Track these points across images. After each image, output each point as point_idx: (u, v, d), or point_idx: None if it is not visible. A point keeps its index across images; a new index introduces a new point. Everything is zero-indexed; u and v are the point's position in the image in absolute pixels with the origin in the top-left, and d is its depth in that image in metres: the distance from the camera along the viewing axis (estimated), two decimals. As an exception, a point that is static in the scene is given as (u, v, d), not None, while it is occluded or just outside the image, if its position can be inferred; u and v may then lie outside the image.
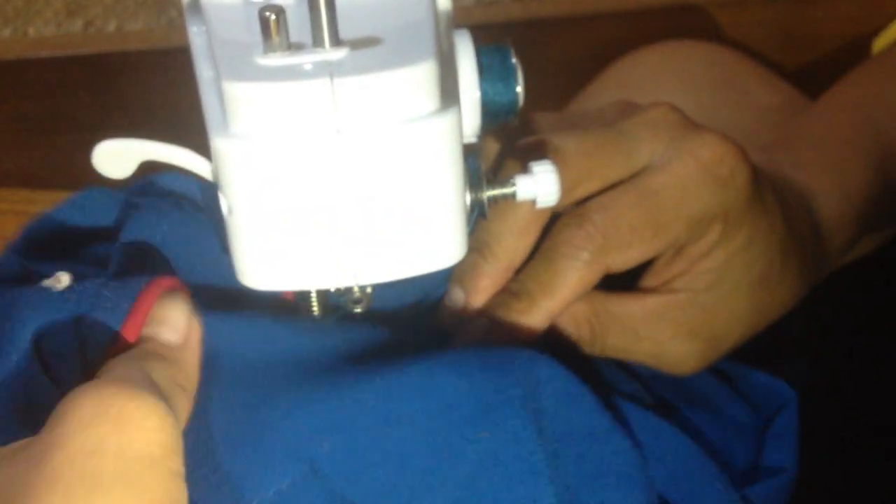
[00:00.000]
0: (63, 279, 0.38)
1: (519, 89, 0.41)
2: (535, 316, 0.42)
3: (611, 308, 0.44)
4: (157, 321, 0.36)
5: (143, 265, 0.41)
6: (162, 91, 0.96)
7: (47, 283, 0.38)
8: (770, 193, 0.44)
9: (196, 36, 0.41)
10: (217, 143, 0.34)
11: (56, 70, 1.00)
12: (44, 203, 0.80)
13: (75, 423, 0.29)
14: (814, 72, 0.80)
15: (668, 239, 0.42)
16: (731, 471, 0.43)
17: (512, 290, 0.43)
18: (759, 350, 0.47)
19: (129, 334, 0.36)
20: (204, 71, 0.39)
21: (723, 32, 0.94)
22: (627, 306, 0.44)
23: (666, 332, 0.43)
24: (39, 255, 0.42)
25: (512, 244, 0.43)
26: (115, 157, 0.37)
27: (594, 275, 0.42)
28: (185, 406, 0.35)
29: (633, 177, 0.43)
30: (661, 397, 0.45)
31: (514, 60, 0.41)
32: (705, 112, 0.68)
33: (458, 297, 0.44)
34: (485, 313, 0.43)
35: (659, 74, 0.79)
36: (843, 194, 0.50)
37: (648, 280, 0.45)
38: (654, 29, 0.88)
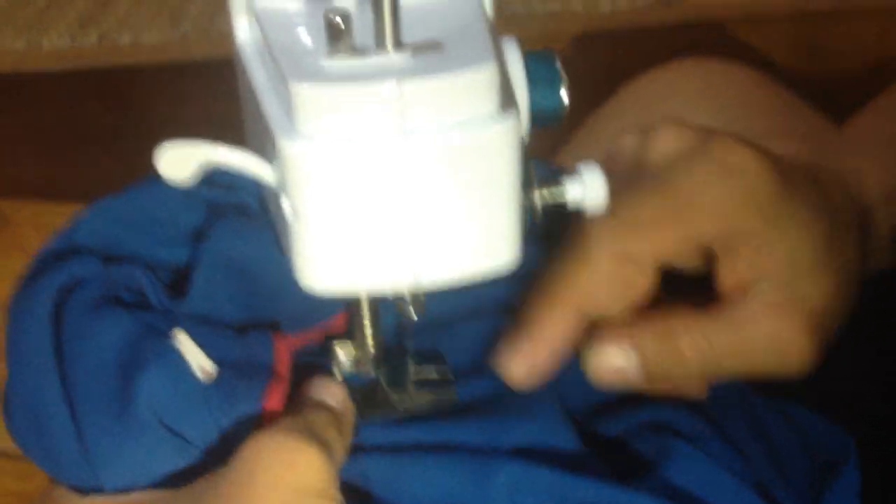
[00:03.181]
0: (208, 369, 0.40)
1: (564, 95, 0.41)
2: (559, 310, 0.42)
3: (701, 313, 0.43)
4: (322, 391, 0.41)
5: (225, 272, 0.42)
6: (176, 104, 0.96)
7: (194, 368, 0.40)
8: (804, 184, 0.44)
9: (247, 43, 0.42)
10: (284, 145, 0.35)
11: (70, 82, 1.01)
12: (62, 215, 0.80)
13: (258, 464, 0.36)
14: (837, 88, 0.81)
15: (691, 229, 0.42)
16: None
17: (537, 287, 0.43)
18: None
19: (269, 414, 0.40)
20: (259, 76, 0.39)
21: (746, 48, 0.95)
22: (719, 308, 0.43)
23: (773, 324, 0.42)
24: (118, 244, 0.43)
25: (585, 284, 0.42)
26: (178, 160, 0.37)
27: (609, 257, 0.41)
28: (342, 450, 0.40)
29: (657, 176, 0.43)
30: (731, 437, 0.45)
31: (558, 67, 0.41)
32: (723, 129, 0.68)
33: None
34: (518, 323, 0.43)
35: (677, 93, 0.79)
36: (890, 177, 0.49)
37: (725, 284, 0.43)
38: (675, 45, 0.88)
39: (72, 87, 1.00)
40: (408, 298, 0.40)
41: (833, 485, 0.46)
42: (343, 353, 0.44)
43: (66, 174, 0.94)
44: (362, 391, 0.43)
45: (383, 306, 0.43)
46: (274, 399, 0.40)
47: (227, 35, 1.11)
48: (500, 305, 0.46)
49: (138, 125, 0.94)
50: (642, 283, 0.42)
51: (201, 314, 0.43)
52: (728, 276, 0.43)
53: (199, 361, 0.40)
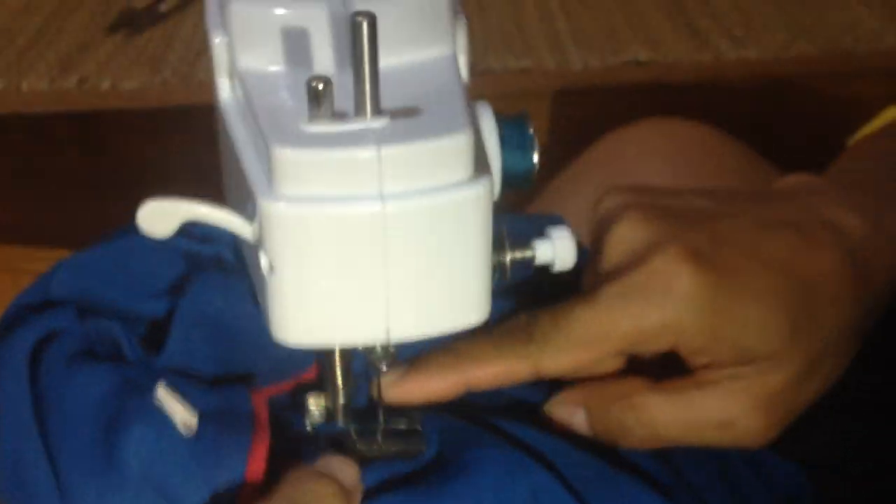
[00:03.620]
0: (191, 423, 0.41)
1: (535, 159, 0.43)
2: (447, 375, 0.43)
3: (660, 385, 0.45)
4: (335, 469, 0.41)
5: (201, 328, 0.43)
6: (154, 149, 0.97)
7: (178, 423, 0.41)
8: (761, 272, 0.44)
9: (229, 102, 0.43)
10: (264, 205, 0.36)
11: (48, 125, 1.02)
12: (37, 259, 0.81)
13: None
14: (803, 150, 0.83)
15: (606, 349, 0.44)
16: None
17: (451, 345, 0.44)
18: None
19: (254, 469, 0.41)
20: (240, 135, 0.41)
21: (714, 109, 0.97)
22: (681, 382, 0.45)
23: (728, 406, 0.44)
24: (93, 296, 0.44)
25: (495, 374, 0.44)
26: (160, 216, 0.38)
27: (524, 369, 0.43)
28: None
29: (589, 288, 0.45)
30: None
31: (531, 131, 0.43)
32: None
33: (402, 367, 0.44)
34: (413, 359, 0.44)
35: (645, 153, 0.81)
36: (877, 225, 0.49)
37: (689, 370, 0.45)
38: (645, 104, 0.90)
39: (50, 130, 1.01)
40: (378, 351, 0.42)
41: None
42: (314, 404, 0.45)
43: (42, 218, 0.95)
44: (331, 440, 0.44)
45: (355, 357, 0.44)
46: (258, 453, 0.41)
47: (206, 83, 1.13)
48: None
49: (116, 170, 0.95)
50: (620, 364, 0.45)
51: (177, 368, 0.44)
52: (685, 357, 0.45)
53: (181, 416, 0.40)
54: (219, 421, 0.41)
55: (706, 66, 1.11)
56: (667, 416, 0.44)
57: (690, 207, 0.47)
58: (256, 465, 0.41)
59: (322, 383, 0.45)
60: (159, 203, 0.38)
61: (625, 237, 0.45)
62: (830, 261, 0.46)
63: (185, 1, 1.24)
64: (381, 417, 0.45)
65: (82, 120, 1.01)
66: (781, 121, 1.03)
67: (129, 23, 1.18)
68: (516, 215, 0.48)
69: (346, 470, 0.41)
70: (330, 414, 0.44)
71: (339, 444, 0.44)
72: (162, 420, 0.40)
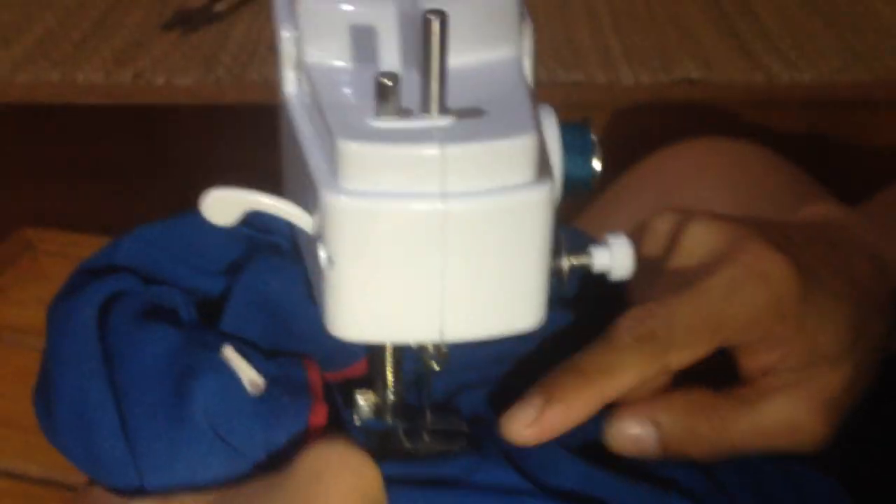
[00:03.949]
0: (258, 382, 0.41)
1: (597, 165, 0.43)
2: (587, 396, 0.42)
3: (724, 395, 0.45)
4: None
5: (256, 308, 0.43)
6: (205, 145, 0.98)
7: (245, 382, 0.41)
8: (828, 274, 0.46)
9: (294, 95, 0.43)
10: (327, 197, 0.36)
11: (102, 117, 1.03)
12: (88, 246, 0.82)
13: (325, 469, 0.38)
14: (851, 176, 0.83)
15: (721, 338, 0.44)
16: None
17: (569, 366, 0.43)
18: None
19: (314, 428, 0.42)
20: (305, 128, 0.41)
21: (763, 129, 0.97)
22: (743, 391, 0.45)
23: (793, 411, 0.45)
24: (155, 267, 0.45)
25: (627, 384, 0.43)
26: (223, 205, 0.38)
27: (653, 369, 0.43)
28: None
29: (672, 282, 0.45)
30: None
31: (592, 138, 0.43)
32: (741, 211, 0.69)
33: (536, 402, 0.43)
34: (540, 390, 0.43)
35: (698, 171, 0.81)
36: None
37: (746, 369, 0.46)
38: (695, 121, 0.90)
39: (104, 121, 1.02)
40: (431, 350, 0.42)
41: None
42: (363, 400, 0.45)
43: (93, 207, 0.96)
44: (379, 436, 0.45)
45: (406, 356, 0.44)
46: (319, 416, 0.41)
47: (258, 83, 1.13)
48: (515, 358, 0.48)
49: (167, 163, 0.96)
50: (668, 381, 0.45)
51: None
52: (749, 363, 0.46)
53: (249, 375, 0.41)
54: (281, 385, 0.42)
55: (758, 87, 1.10)
56: (737, 423, 0.45)
57: (750, 218, 0.48)
58: (316, 426, 0.41)
59: (371, 380, 0.45)
60: (222, 192, 0.38)
61: (702, 236, 0.46)
62: (873, 274, 0.48)
63: (240, 2, 1.25)
64: (427, 417, 0.45)
65: (135, 113, 1.03)
66: (834, 145, 1.02)
67: (185, 21, 1.20)
68: (573, 230, 0.48)
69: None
70: (378, 410, 0.45)
71: (385, 440, 0.45)
72: (230, 375, 0.41)
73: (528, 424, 0.42)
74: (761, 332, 0.44)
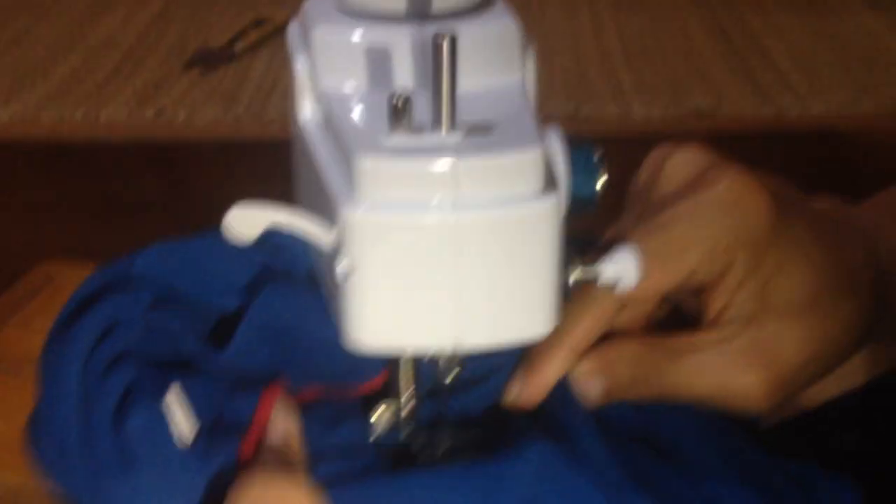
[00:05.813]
0: (185, 436, 0.43)
1: (600, 184, 0.44)
2: (559, 350, 0.45)
3: (666, 343, 0.46)
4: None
5: (268, 332, 0.46)
6: (224, 180, 1.00)
7: (174, 429, 0.43)
8: (802, 225, 0.46)
9: (309, 121, 0.45)
10: (345, 211, 0.38)
11: (124, 154, 1.05)
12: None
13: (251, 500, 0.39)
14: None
15: (685, 267, 0.45)
16: None
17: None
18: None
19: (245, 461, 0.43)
20: (321, 150, 0.42)
21: (775, 161, 0.98)
22: (683, 340, 0.46)
23: (727, 363, 0.45)
24: (171, 281, 0.47)
25: (588, 328, 0.46)
26: (245, 221, 0.40)
27: (612, 303, 0.45)
28: None
29: (651, 208, 0.46)
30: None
31: (597, 158, 0.44)
32: None
33: (520, 375, 0.47)
34: (522, 364, 0.46)
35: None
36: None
37: (702, 325, 0.47)
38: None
39: (125, 158, 1.04)
40: (447, 362, 0.43)
41: None
42: (378, 414, 0.46)
43: (113, 241, 0.97)
44: (395, 452, 0.46)
45: (422, 375, 0.45)
46: (248, 448, 0.43)
47: (276, 120, 1.15)
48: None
49: (187, 198, 0.97)
50: (641, 316, 0.47)
51: (235, 367, 0.45)
52: (706, 309, 0.46)
53: (180, 427, 0.42)
54: (218, 432, 0.43)
55: (768, 120, 1.12)
56: (670, 376, 0.46)
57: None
58: (246, 461, 0.42)
59: (388, 394, 0.46)
60: (246, 207, 0.40)
61: (682, 164, 0.47)
62: (856, 255, 0.48)
63: (259, 42, 1.28)
64: (445, 433, 0.46)
65: (156, 149, 1.05)
66: (841, 177, 1.03)
67: (205, 61, 1.23)
68: (578, 240, 0.50)
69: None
70: (395, 425, 0.46)
71: (401, 457, 0.46)
72: (160, 421, 0.42)
73: (518, 393, 0.46)
74: (725, 261, 0.44)
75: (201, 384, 0.44)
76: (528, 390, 0.46)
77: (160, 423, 0.42)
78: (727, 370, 0.45)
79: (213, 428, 0.43)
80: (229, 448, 0.43)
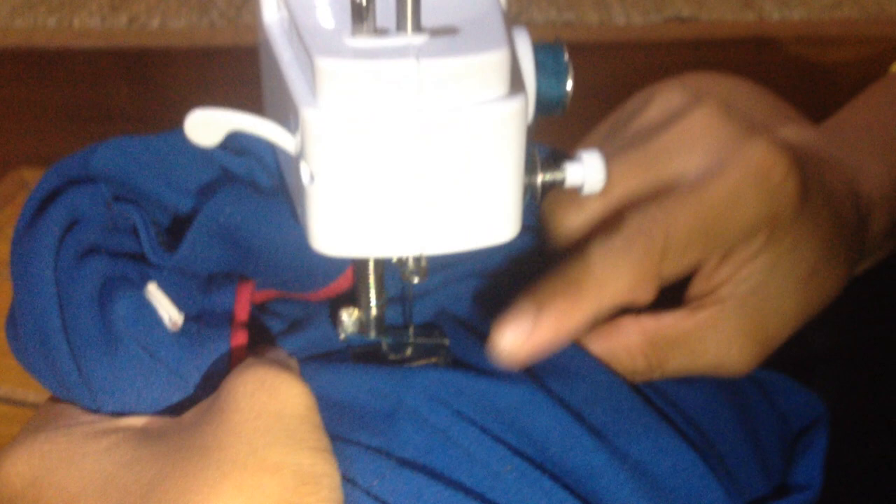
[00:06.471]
0: (176, 320, 0.43)
1: (569, 86, 0.44)
2: (580, 308, 0.41)
3: (665, 333, 0.45)
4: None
5: (217, 238, 0.45)
6: (198, 87, 0.99)
7: (164, 318, 0.42)
8: (818, 193, 0.45)
9: (273, 23, 0.44)
10: (307, 114, 0.37)
11: (98, 61, 1.04)
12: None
13: (242, 393, 0.38)
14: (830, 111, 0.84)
15: (722, 245, 0.43)
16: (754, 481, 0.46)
17: (561, 275, 0.42)
18: (790, 358, 0.48)
19: (237, 351, 0.43)
20: (284, 53, 0.42)
21: (753, 66, 0.97)
22: (681, 327, 0.45)
23: (722, 342, 0.44)
24: (129, 178, 0.46)
25: (615, 290, 0.42)
26: (206, 126, 0.39)
27: (648, 277, 0.42)
28: None
29: (690, 184, 0.44)
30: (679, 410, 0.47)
31: (566, 59, 0.44)
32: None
33: (528, 311, 0.42)
34: (532, 298, 0.42)
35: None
36: (889, 174, 0.50)
37: (696, 288, 0.46)
38: (686, 61, 0.91)
39: (99, 65, 1.03)
40: (411, 265, 0.43)
41: (804, 454, 0.48)
42: (347, 316, 0.46)
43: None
44: (362, 351, 0.46)
45: (388, 273, 0.45)
46: (239, 340, 0.42)
47: (251, 27, 1.14)
48: (487, 271, 0.49)
49: (161, 105, 0.97)
50: (656, 293, 0.44)
51: (184, 268, 0.45)
52: (710, 276, 0.45)
53: (168, 312, 0.42)
54: (204, 318, 0.43)
55: (749, 25, 1.11)
56: (666, 350, 0.45)
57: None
58: (239, 350, 0.42)
59: (355, 296, 0.47)
60: (206, 112, 0.40)
61: (668, 93, 0.47)
62: (850, 217, 0.47)
63: (234, -54, 1.25)
64: (410, 333, 0.46)
65: (130, 56, 1.03)
66: (823, 82, 1.03)
67: (179, -34, 1.20)
68: (546, 147, 0.49)
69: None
70: (362, 326, 0.46)
71: (368, 356, 0.46)
72: (147, 305, 0.42)
73: (520, 337, 0.41)
74: (759, 243, 0.44)
75: (176, 279, 0.44)
76: (535, 339, 0.41)
77: (146, 308, 0.42)
78: (723, 349, 0.45)
79: (199, 317, 0.43)
80: (219, 335, 0.42)
